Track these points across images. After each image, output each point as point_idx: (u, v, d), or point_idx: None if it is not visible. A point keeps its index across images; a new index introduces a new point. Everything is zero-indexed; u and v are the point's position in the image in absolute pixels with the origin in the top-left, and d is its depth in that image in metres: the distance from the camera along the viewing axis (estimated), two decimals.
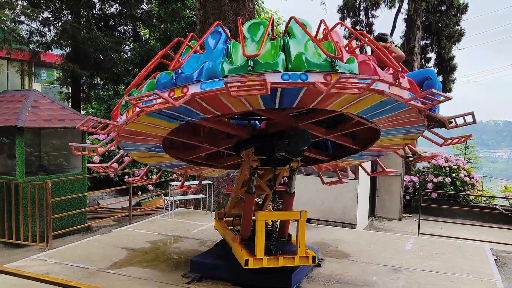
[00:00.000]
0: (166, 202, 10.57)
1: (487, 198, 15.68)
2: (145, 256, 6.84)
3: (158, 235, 8.25)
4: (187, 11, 18.05)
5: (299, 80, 3.86)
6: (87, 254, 6.95)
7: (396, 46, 5.64)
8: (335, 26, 5.05)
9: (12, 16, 14.52)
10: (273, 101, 4.31)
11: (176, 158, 6.09)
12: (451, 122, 5.05)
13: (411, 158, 6.71)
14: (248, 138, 5.81)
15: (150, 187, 14.52)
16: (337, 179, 7.36)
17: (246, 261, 5.18)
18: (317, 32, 5.10)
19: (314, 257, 5.37)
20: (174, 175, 15.24)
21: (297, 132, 5.17)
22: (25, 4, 15.32)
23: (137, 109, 4.33)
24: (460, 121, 4.83)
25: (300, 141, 5.16)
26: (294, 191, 5.98)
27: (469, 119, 4.74)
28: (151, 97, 4.03)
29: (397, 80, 4.38)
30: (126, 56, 17.41)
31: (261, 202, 6.87)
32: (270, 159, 5.59)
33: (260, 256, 5.18)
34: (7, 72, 19.57)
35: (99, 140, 13.54)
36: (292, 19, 4.79)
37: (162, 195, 13.70)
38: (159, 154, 5.81)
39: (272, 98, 4.21)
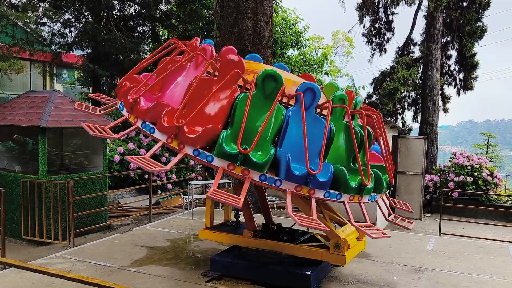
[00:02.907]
0: (185, 200, 10.62)
1: (511, 197, 15.37)
2: (165, 255, 6.90)
3: (178, 233, 8.31)
4: (206, 11, 18.12)
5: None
6: (108, 252, 7.04)
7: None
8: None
9: (35, 18, 14.79)
10: None
11: None
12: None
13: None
14: None
15: (170, 186, 14.64)
16: None
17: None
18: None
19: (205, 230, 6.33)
20: (193, 174, 15.34)
21: None
22: (47, 6, 15.59)
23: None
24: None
25: None
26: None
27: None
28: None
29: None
30: (145, 56, 17.58)
31: None
32: None
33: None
34: (30, 73, 19.96)
35: (120, 140, 13.70)
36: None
37: (181, 194, 13.80)
38: None
39: None
